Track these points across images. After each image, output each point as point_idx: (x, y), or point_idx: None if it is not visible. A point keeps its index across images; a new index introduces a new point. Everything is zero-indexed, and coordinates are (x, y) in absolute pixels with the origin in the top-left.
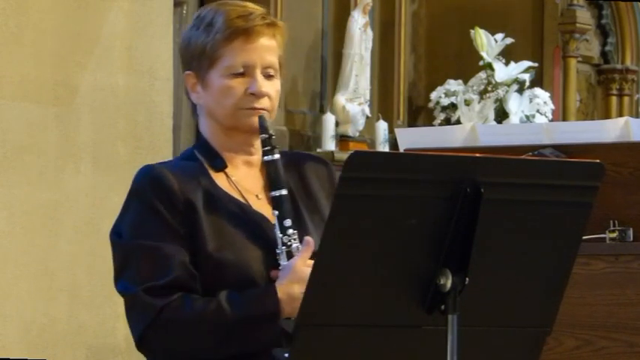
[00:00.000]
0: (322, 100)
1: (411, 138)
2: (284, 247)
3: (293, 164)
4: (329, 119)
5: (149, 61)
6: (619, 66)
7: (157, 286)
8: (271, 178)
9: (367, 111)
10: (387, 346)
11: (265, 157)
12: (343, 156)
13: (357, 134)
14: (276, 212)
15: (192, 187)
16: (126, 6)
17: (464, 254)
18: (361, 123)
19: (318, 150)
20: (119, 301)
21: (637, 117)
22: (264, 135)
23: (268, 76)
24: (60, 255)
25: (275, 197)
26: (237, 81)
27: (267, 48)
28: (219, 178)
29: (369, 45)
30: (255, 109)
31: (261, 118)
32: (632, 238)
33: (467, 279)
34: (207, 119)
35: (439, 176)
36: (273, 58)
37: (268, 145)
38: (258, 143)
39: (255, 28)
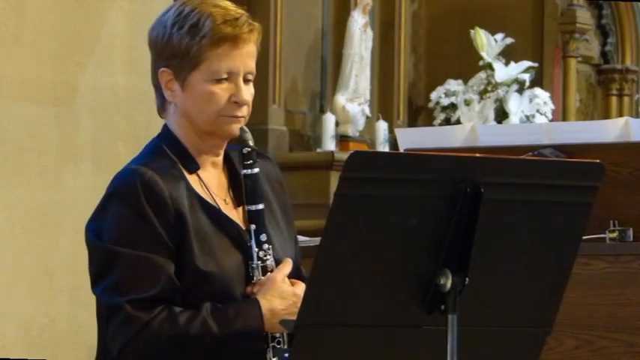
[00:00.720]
0: (322, 100)
1: (411, 138)
2: (259, 262)
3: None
4: (329, 119)
5: (149, 61)
6: (619, 66)
7: (142, 298)
8: (249, 191)
9: (367, 111)
10: (387, 346)
11: (244, 171)
12: (343, 156)
13: (357, 134)
14: (253, 226)
15: (179, 194)
16: (126, 6)
17: (464, 254)
18: (361, 123)
19: (318, 150)
20: None
21: (637, 117)
22: (246, 148)
23: (247, 81)
24: (60, 255)
25: (251, 211)
26: (220, 87)
27: (251, 54)
28: (192, 181)
29: (369, 45)
30: (237, 117)
31: (242, 129)
32: (632, 238)
33: (467, 279)
34: (180, 119)
35: (439, 176)
36: (253, 64)
37: (250, 159)
38: (225, 145)
39: (242, 36)
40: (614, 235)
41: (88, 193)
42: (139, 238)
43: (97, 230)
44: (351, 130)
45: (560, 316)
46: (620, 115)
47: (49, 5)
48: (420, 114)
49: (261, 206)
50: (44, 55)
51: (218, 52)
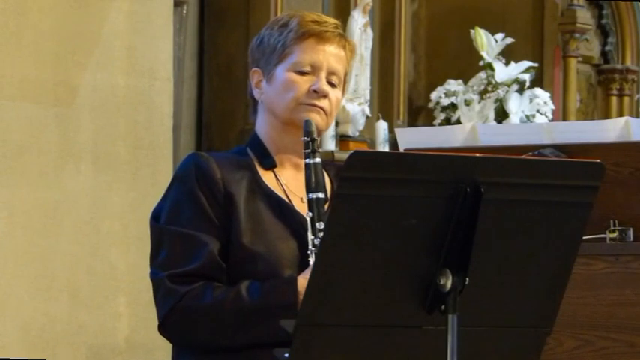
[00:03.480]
0: None
1: (411, 138)
2: (314, 249)
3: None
4: None
5: (149, 61)
6: (619, 66)
7: (181, 272)
8: (309, 180)
9: (367, 111)
10: (387, 346)
11: (306, 160)
12: (343, 156)
13: (357, 134)
14: (310, 214)
15: (235, 179)
16: (126, 6)
17: (464, 254)
18: (361, 123)
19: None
20: (119, 301)
21: (637, 117)
22: (306, 138)
23: (331, 84)
24: (60, 255)
25: (310, 199)
26: (302, 78)
27: (335, 55)
28: (266, 176)
29: (369, 45)
30: (316, 105)
31: (307, 122)
32: (632, 238)
33: (467, 279)
34: (265, 114)
35: (439, 176)
36: (339, 67)
37: (310, 149)
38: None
39: (327, 34)
40: (614, 235)
41: (88, 193)
42: (186, 217)
43: (156, 213)
44: (351, 130)
45: (560, 316)
46: (620, 115)
47: (49, 5)
48: (420, 114)
49: (320, 195)
50: (44, 55)
51: (303, 46)
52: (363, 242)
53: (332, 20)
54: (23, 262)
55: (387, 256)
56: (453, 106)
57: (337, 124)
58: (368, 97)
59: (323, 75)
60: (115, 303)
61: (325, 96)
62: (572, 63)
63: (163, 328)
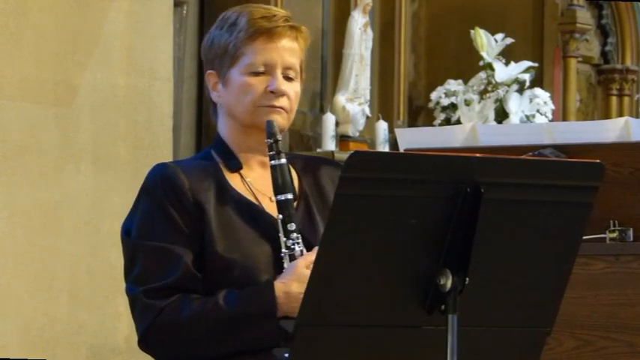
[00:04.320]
0: (322, 100)
1: (411, 138)
2: (287, 251)
3: (309, 169)
4: (329, 119)
5: (149, 61)
6: (619, 66)
7: (158, 287)
8: (276, 182)
9: (367, 111)
10: (387, 346)
11: (272, 162)
12: (343, 156)
13: (357, 134)
14: (281, 216)
15: (203, 186)
16: (126, 6)
17: (464, 254)
18: (361, 123)
19: (318, 150)
20: (119, 301)
21: (637, 117)
22: (269, 140)
23: (288, 78)
24: (60, 255)
25: (280, 201)
26: (258, 79)
27: (289, 49)
28: (233, 179)
29: (369, 45)
30: (274, 107)
31: (269, 122)
32: (632, 238)
33: (467, 279)
34: (226, 118)
35: (439, 176)
36: (293, 60)
37: (274, 150)
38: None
39: (278, 29)
40: (614, 235)
41: (88, 193)
42: (158, 230)
43: (127, 227)
44: (351, 130)
45: (560, 316)
46: (620, 115)
47: (49, 5)
48: (420, 114)
49: (289, 196)
50: (44, 55)
51: (254, 46)
52: (363, 242)
53: (281, 12)
54: (23, 262)
55: (387, 256)
56: (453, 106)
57: (337, 124)
58: (368, 97)
59: (278, 73)
60: (115, 303)
61: (283, 95)
62: (572, 63)
63: (144, 344)
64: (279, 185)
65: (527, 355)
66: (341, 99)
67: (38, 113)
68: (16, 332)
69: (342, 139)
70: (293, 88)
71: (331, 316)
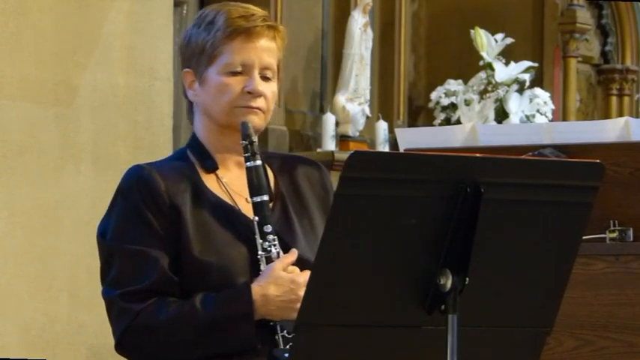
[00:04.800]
0: (322, 100)
1: (411, 138)
2: (263, 253)
3: (286, 168)
4: (329, 119)
5: (149, 61)
6: (619, 66)
7: (134, 290)
8: (252, 183)
9: (367, 111)
10: (387, 346)
11: (247, 164)
12: (343, 156)
13: (357, 134)
14: (257, 218)
15: (179, 189)
16: (126, 6)
17: (464, 254)
18: (361, 123)
19: (319, 150)
20: None
21: (637, 117)
22: (244, 141)
23: (265, 78)
24: (60, 255)
25: (255, 203)
26: (235, 79)
27: (267, 49)
28: (209, 180)
29: (369, 45)
30: (251, 107)
31: (244, 124)
32: (632, 238)
33: (467, 279)
34: (202, 117)
35: (439, 176)
36: (271, 60)
37: (249, 152)
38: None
39: (256, 29)
40: (614, 235)
41: (88, 193)
42: (134, 233)
43: (103, 229)
44: (351, 130)
45: (560, 316)
46: (620, 115)
47: (49, 5)
48: (420, 114)
49: (265, 197)
50: (44, 55)
51: (232, 45)
52: (363, 242)
53: (260, 12)
54: (23, 262)
55: (387, 256)
56: (453, 106)
57: (337, 124)
58: (368, 97)
59: (256, 73)
60: None
61: (260, 95)
62: (572, 63)
63: (121, 348)
64: (255, 187)
65: (527, 355)
66: (341, 99)
67: (38, 113)
68: (16, 332)
69: (342, 139)
70: (270, 88)
71: (331, 316)
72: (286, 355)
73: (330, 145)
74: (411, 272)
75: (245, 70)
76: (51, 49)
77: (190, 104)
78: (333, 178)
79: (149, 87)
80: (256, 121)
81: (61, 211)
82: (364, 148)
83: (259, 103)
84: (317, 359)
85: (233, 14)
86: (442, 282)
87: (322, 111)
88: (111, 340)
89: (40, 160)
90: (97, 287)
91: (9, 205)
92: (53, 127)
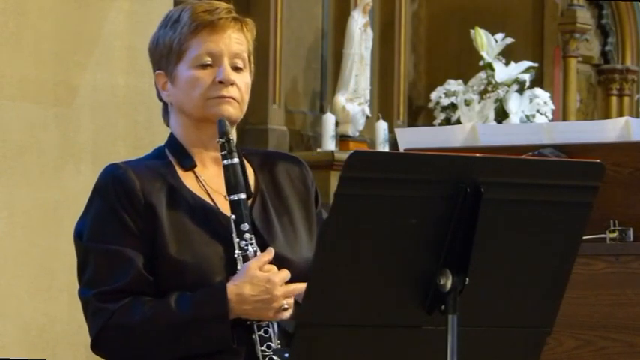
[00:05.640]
0: (322, 100)
1: (411, 138)
2: (240, 252)
3: (266, 165)
4: (329, 119)
5: (149, 61)
6: (619, 66)
7: (109, 290)
8: (229, 182)
9: (367, 111)
10: (387, 346)
11: (224, 162)
12: (343, 156)
13: (357, 134)
14: (233, 216)
15: (155, 187)
16: (126, 6)
17: (464, 254)
18: (361, 123)
19: (319, 150)
20: None
21: (637, 117)
22: (221, 139)
23: (236, 68)
24: (60, 255)
25: (233, 201)
26: (205, 72)
27: (234, 39)
28: (187, 178)
29: (369, 45)
30: (224, 97)
31: (220, 122)
32: (632, 238)
33: (467, 279)
34: (177, 116)
35: (439, 176)
36: (240, 48)
37: (226, 150)
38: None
39: (221, 21)
40: (614, 235)
41: (88, 193)
42: (109, 232)
43: (79, 229)
44: (351, 130)
45: (560, 316)
46: (620, 115)
47: (49, 5)
48: (420, 114)
49: (242, 196)
50: (44, 55)
51: (198, 38)
52: (363, 242)
53: (223, 5)
54: (23, 262)
55: (386, 256)
56: (453, 106)
57: (337, 124)
58: (368, 97)
59: (225, 62)
60: None
61: (232, 84)
62: (572, 63)
63: (96, 347)
64: (232, 185)
65: (527, 355)
66: (341, 99)
67: (38, 113)
68: (16, 332)
69: (342, 139)
70: (242, 79)
71: (331, 316)
72: (286, 355)
73: (330, 145)
74: (411, 272)
75: (214, 62)
76: (51, 49)
77: (165, 106)
78: (333, 178)
79: (149, 87)
80: (231, 110)
81: (61, 211)
82: (364, 148)
83: (232, 92)
84: (317, 359)
85: (197, 9)
86: (442, 282)
87: (322, 111)
88: None
89: (40, 160)
90: None
91: (9, 205)
92: (53, 127)
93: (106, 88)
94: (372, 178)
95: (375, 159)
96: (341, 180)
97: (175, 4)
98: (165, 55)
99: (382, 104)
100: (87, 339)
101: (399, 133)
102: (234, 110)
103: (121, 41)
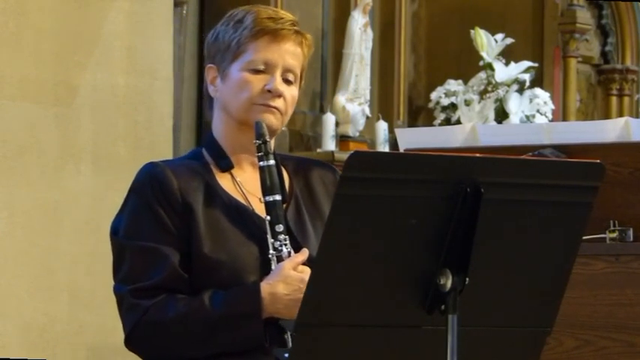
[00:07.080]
0: (322, 100)
1: (411, 138)
2: (274, 252)
3: (301, 170)
4: (329, 119)
5: (149, 61)
6: (619, 66)
7: (144, 287)
8: (265, 183)
9: (367, 111)
10: (387, 346)
11: (260, 163)
12: (343, 156)
13: (357, 134)
14: (268, 217)
15: (192, 187)
16: (126, 6)
17: (464, 254)
18: (361, 123)
19: (319, 150)
20: None
21: (637, 117)
22: (258, 141)
23: (286, 81)
24: (60, 255)
25: (268, 202)
26: (256, 77)
27: (291, 52)
28: (223, 179)
29: (369, 45)
30: (269, 106)
31: (257, 123)
32: (632, 238)
33: (467, 279)
34: (220, 113)
35: (439, 176)
36: (295, 63)
37: (262, 151)
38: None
39: (283, 31)
40: (614, 235)
41: (88, 193)
42: (145, 229)
43: (115, 226)
44: (351, 130)
45: (560, 316)
46: (620, 115)
47: (49, 5)
48: (420, 114)
49: (277, 197)
50: (44, 55)
51: (257, 44)
52: (363, 242)
53: (289, 17)
54: (23, 262)
55: (387, 256)
56: (453, 106)
57: (337, 124)
58: (368, 97)
59: (278, 74)
60: (115, 303)
61: (280, 95)
62: (572, 63)
63: (130, 344)
64: (268, 186)
65: (527, 355)
66: (341, 99)
67: (38, 113)
68: (16, 332)
69: (342, 139)
70: (290, 92)
71: (331, 316)
72: (286, 355)
73: (330, 145)
74: (411, 272)
75: (267, 70)
76: (51, 49)
77: (211, 100)
78: None
79: (149, 87)
80: (272, 120)
81: (61, 211)
82: (364, 148)
83: (278, 103)
84: (317, 359)
85: (262, 15)
86: (442, 282)
87: (322, 111)
88: (111, 340)
89: (40, 160)
90: (97, 287)
91: (9, 205)
92: (53, 127)
93: (106, 88)
94: (373, 178)
95: (375, 159)
96: (341, 180)
97: (175, 5)
98: (221, 51)
99: (382, 104)
100: (87, 339)
101: (399, 133)
102: (276, 121)
103: (120, 41)
